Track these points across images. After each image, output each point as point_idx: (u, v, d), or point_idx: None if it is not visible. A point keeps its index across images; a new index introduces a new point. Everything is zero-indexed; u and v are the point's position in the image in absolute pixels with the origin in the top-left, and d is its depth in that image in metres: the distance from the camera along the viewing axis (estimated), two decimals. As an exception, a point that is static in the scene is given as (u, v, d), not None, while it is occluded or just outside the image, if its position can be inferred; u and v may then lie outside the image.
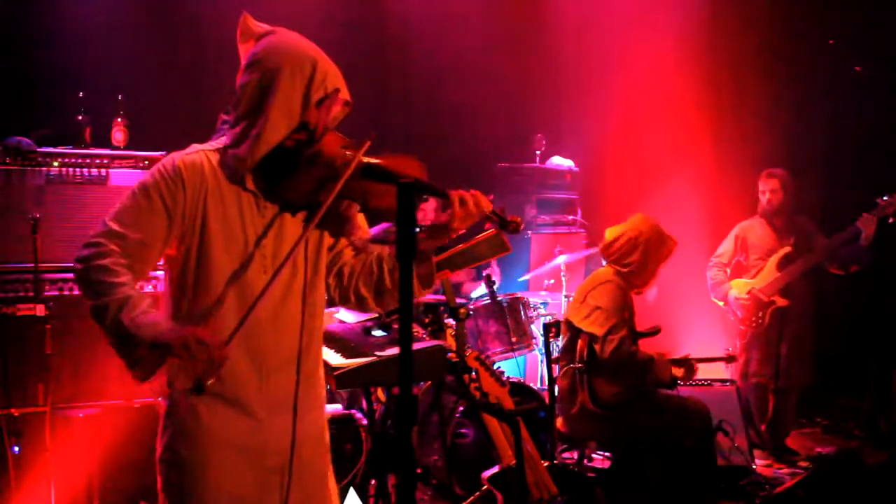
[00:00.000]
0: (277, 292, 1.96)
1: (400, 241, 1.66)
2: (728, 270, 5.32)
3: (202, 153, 1.97)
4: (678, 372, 3.98)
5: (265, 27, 2.02)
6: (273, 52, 1.94)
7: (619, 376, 3.84)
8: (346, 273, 2.13)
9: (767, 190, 5.13)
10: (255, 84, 1.92)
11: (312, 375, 2.09)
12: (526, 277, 5.66)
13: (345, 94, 2.01)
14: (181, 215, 1.92)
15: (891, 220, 4.81)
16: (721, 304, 5.29)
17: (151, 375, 1.86)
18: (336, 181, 1.90)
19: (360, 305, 2.16)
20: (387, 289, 2.09)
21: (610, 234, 4.09)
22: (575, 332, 3.95)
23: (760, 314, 5.08)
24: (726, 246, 5.35)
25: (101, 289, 1.84)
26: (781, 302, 5.06)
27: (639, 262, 3.97)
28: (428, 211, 5.16)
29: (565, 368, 3.97)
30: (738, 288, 5.17)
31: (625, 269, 4.00)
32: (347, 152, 1.94)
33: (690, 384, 4.66)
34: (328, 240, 2.10)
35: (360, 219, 2.15)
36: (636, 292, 4.08)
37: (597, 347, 3.81)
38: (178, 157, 1.97)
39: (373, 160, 1.95)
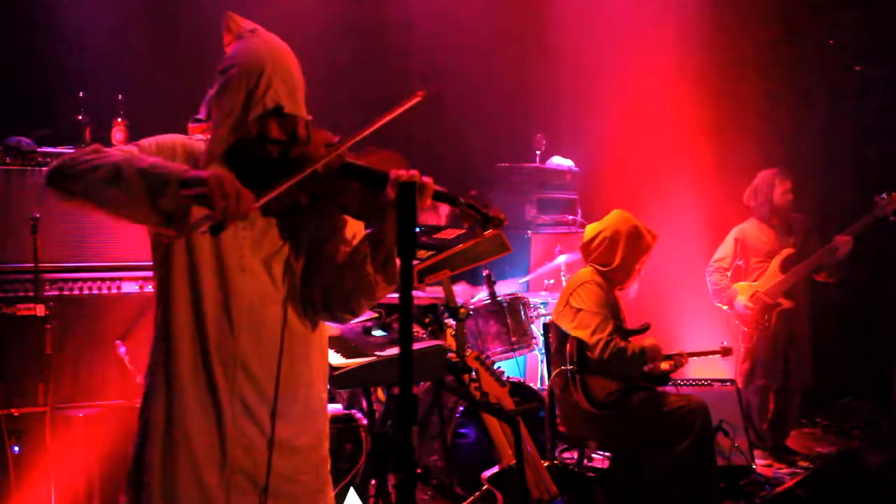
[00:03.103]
0: (255, 298, 1.89)
1: (400, 241, 1.66)
2: (728, 274, 5.31)
3: (203, 143, 1.93)
4: (664, 365, 3.98)
5: (247, 27, 1.95)
6: (232, 57, 1.89)
7: (612, 373, 3.85)
8: (329, 284, 1.97)
9: (783, 189, 5.12)
10: (215, 92, 1.89)
11: (298, 384, 1.96)
12: (526, 279, 5.66)
13: (293, 110, 1.88)
14: None
15: (892, 219, 4.81)
16: (725, 308, 5.28)
17: (186, 225, 1.74)
18: (317, 181, 1.81)
19: (327, 308, 1.99)
20: (348, 287, 1.93)
21: (588, 232, 4.11)
22: (563, 335, 3.96)
23: (767, 317, 5.08)
24: (725, 250, 5.33)
25: (98, 159, 1.74)
26: (787, 304, 5.06)
27: (619, 261, 3.98)
28: (441, 217, 5.15)
29: (557, 370, 3.97)
30: (744, 292, 5.17)
31: (604, 269, 4.01)
32: (322, 152, 1.85)
33: (690, 384, 4.67)
34: (313, 250, 1.98)
35: (357, 227, 2.01)
36: (618, 289, 4.08)
37: (588, 352, 3.82)
38: (179, 137, 1.95)
39: (354, 160, 1.86)
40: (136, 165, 1.71)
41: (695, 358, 4.16)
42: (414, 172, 1.80)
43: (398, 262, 1.67)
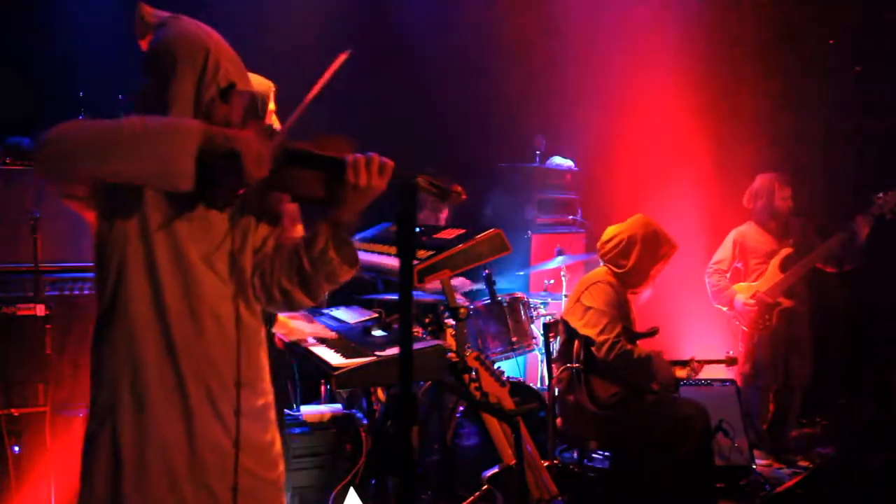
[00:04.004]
0: (210, 295, 1.84)
1: (400, 241, 1.66)
2: (727, 276, 5.31)
3: None
4: (681, 373, 3.98)
5: (162, 16, 1.88)
6: (165, 44, 1.81)
7: (617, 376, 3.84)
8: (267, 269, 1.96)
9: (783, 195, 5.12)
10: (152, 87, 1.81)
11: (252, 383, 1.94)
12: (524, 273, 5.67)
13: (245, 86, 1.87)
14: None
15: (889, 217, 4.81)
16: (725, 309, 5.28)
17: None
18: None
19: (286, 302, 1.98)
20: (309, 274, 1.91)
21: (608, 233, 4.08)
22: (571, 333, 3.95)
23: (767, 317, 5.07)
24: (724, 252, 5.33)
25: (99, 125, 1.68)
26: (787, 303, 5.06)
27: (633, 264, 3.94)
28: (440, 219, 5.15)
29: (562, 369, 3.97)
30: (744, 293, 5.16)
31: (618, 270, 3.99)
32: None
33: (690, 384, 4.67)
34: (255, 241, 1.95)
35: (294, 212, 2.04)
36: (631, 293, 4.06)
37: (594, 350, 3.80)
38: None
39: (296, 145, 1.83)
40: (140, 120, 1.68)
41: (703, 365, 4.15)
42: (372, 155, 1.82)
43: (404, 256, 1.67)
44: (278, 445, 2.00)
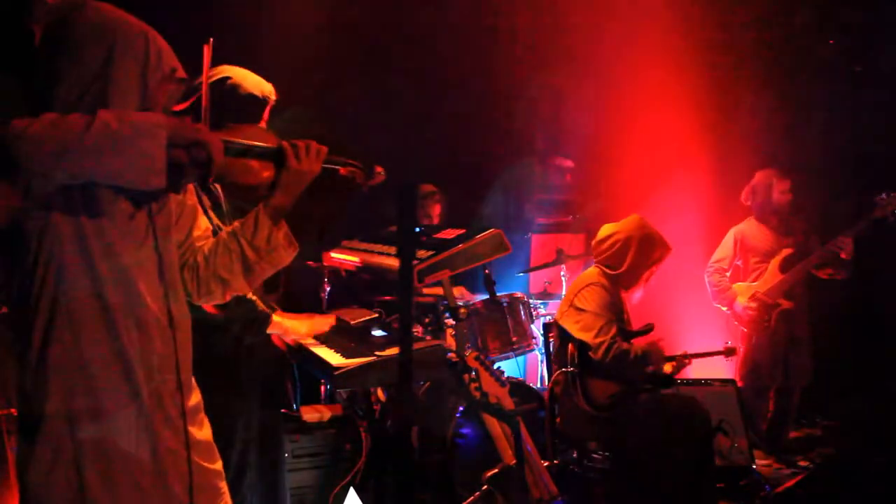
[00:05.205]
0: (143, 293, 1.77)
1: (400, 241, 1.66)
2: (728, 275, 5.31)
3: None
4: (668, 368, 3.97)
5: (72, 1, 1.75)
6: (93, 29, 1.71)
7: (614, 377, 3.84)
8: (201, 262, 1.96)
9: (781, 188, 5.12)
10: (85, 77, 1.69)
11: (189, 382, 1.90)
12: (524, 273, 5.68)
13: (181, 73, 1.82)
14: None
15: (891, 220, 4.80)
16: (725, 309, 5.28)
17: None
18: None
19: (223, 292, 1.99)
20: (253, 261, 1.96)
21: (602, 231, 4.08)
22: (565, 336, 3.95)
23: (767, 317, 5.07)
24: (724, 251, 5.33)
25: (73, 122, 1.60)
26: (786, 304, 5.06)
27: (626, 265, 3.94)
28: (433, 216, 5.15)
29: (558, 372, 3.96)
30: (743, 293, 5.16)
31: (611, 272, 3.98)
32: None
33: (690, 384, 4.67)
34: (178, 235, 1.93)
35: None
36: (624, 291, 4.06)
37: (591, 353, 3.80)
38: None
39: (230, 137, 1.89)
40: (103, 119, 1.61)
41: (697, 358, 4.15)
42: (309, 141, 1.97)
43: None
44: (211, 437, 1.97)
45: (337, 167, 2.04)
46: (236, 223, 2.02)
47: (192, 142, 1.70)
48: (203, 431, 1.93)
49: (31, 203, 1.64)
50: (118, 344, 1.71)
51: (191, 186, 1.98)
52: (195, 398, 1.93)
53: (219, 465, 1.97)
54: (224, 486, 1.98)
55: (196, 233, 2.00)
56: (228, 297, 2.06)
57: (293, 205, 1.99)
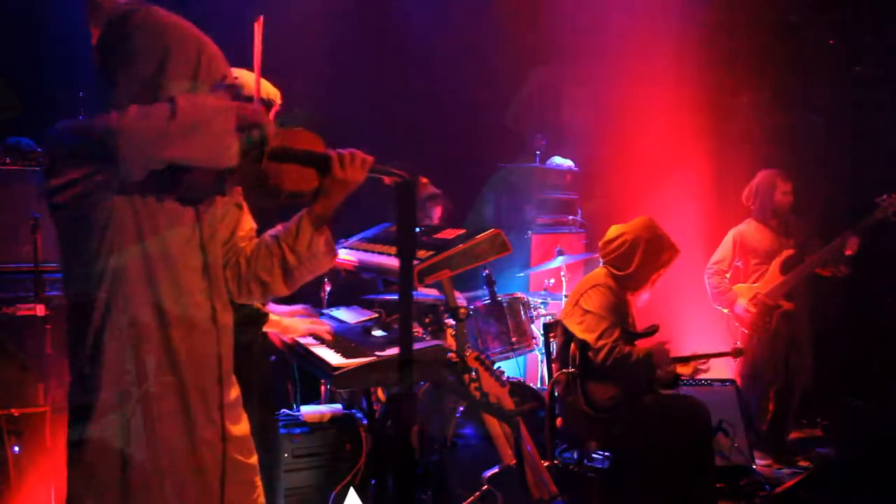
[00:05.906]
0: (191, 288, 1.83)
1: (400, 241, 1.67)
2: (728, 276, 5.30)
3: None
4: (684, 370, 3.95)
5: (119, 3, 1.80)
6: (148, 35, 1.74)
7: (615, 379, 3.83)
8: (242, 263, 2.00)
9: (783, 190, 5.12)
10: (138, 83, 1.73)
11: (229, 377, 1.95)
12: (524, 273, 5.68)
13: (231, 79, 1.86)
14: None
15: (893, 220, 4.80)
16: (725, 311, 5.27)
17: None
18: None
19: (262, 294, 2.03)
20: (293, 266, 1.99)
21: (611, 232, 4.04)
22: (569, 336, 3.94)
23: (767, 319, 5.06)
24: (724, 252, 5.32)
25: (158, 110, 1.64)
26: (787, 305, 5.05)
27: (633, 267, 3.91)
28: (434, 219, 5.15)
29: (559, 373, 3.96)
30: (744, 294, 5.15)
31: (618, 273, 3.96)
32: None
33: (690, 384, 4.66)
34: (223, 233, 1.96)
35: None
36: (630, 294, 4.05)
37: (591, 355, 3.79)
38: None
39: (280, 142, 1.88)
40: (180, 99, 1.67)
41: (706, 360, 4.12)
42: (355, 151, 1.94)
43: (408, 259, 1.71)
44: (248, 432, 2.01)
45: (382, 177, 1.98)
46: (279, 227, 2.05)
47: (252, 124, 1.73)
48: (241, 426, 1.96)
49: (108, 195, 1.69)
50: (167, 337, 1.78)
51: (237, 189, 1.99)
52: (234, 393, 1.96)
53: (255, 460, 2.00)
54: (259, 481, 2.01)
55: (240, 233, 2.03)
56: (265, 300, 2.09)
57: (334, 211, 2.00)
